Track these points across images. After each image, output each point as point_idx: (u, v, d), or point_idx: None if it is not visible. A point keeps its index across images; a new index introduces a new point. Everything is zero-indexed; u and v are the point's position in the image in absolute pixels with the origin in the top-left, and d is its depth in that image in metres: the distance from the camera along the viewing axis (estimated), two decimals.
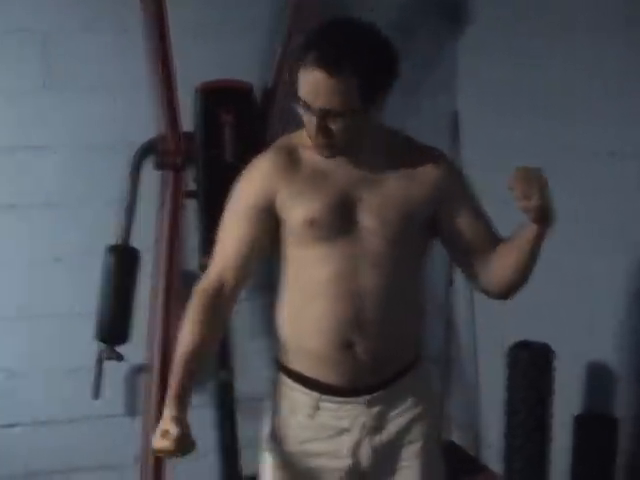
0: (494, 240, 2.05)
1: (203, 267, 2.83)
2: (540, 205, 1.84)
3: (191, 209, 3.06)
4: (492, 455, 3.48)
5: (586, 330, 3.00)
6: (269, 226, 2.02)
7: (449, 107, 3.56)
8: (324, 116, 1.89)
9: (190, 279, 2.98)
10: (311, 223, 1.98)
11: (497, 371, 3.08)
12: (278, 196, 2.00)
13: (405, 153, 2.06)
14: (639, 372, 2.87)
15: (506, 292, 2.07)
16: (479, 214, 2.08)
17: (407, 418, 2.12)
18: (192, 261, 3.12)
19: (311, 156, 2.01)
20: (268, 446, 2.16)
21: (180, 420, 1.88)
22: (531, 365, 2.93)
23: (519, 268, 2.00)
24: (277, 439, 2.15)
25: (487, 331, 3.51)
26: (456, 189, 2.08)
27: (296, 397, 2.10)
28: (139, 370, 3.16)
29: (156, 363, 2.98)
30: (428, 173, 2.05)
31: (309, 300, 2.02)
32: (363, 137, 1.99)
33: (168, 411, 1.91)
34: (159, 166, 3.02)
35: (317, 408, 2.08)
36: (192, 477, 3.29)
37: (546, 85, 3.09)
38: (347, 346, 2.02)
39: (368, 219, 2.01)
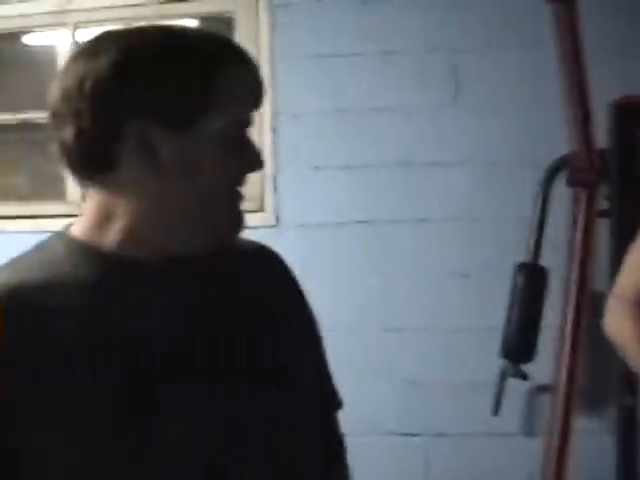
0: None
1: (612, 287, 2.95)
2: None
3: (603, 228, 3.01)
4: None
5: None
6: None
7: None
8: None
9: (599, 299, 2.93)
10: None
11: None
12: None
13: None
14: None
15: None
16: None
17: None
18: (601, 281, 3.01)
19: None
20: None
21: None
22: None
23: None
24: None
25: None
26: None
27: None
28: (541, 390, 3.15)
29: (562, 384, 2.97)
30: None
31: None
32: None
33: None
34: (571, 183, 2.99)
35: None
36: None
37: None
38: None
39: None
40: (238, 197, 1.26)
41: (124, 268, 1.22)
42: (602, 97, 2.94)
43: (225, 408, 1.22)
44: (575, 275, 2.95)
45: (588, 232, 2.95)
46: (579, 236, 2.96)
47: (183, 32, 1.24)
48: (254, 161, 1.26)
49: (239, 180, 1.26)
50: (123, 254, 1.23)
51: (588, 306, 2.94)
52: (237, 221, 1.26)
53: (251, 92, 1.26)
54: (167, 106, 1.17)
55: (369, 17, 3.25)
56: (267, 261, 1.40)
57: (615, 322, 2.02)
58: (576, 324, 2.93)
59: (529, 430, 3.29)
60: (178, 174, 1.19)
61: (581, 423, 3.15)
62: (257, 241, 1.42)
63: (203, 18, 3.29)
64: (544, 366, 3.04)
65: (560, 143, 3.00)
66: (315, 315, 1.42)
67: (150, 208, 1.21)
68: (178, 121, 1.18)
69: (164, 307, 1.22)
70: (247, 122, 1.26)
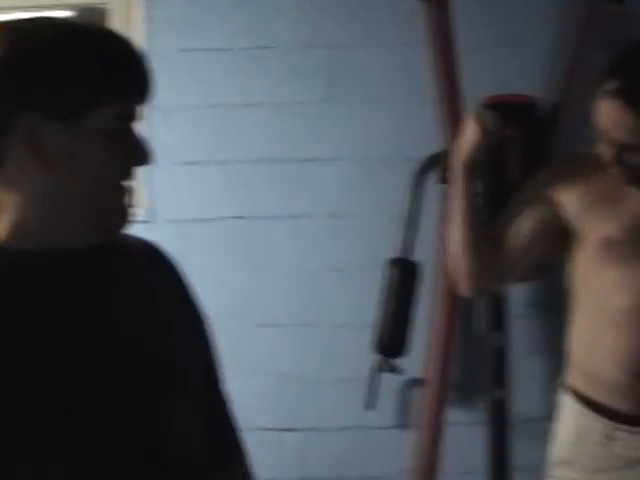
0: None
1: None
2: None
3: None
4: None
5: None
6: (556, 227, 2.05)
7: None
8: (622, 150, 1.88)
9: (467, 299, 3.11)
10: (606, 243, 1.97)
11: None
12: (573, 203, 2.02)
13: None
14: None
15: None
16: None
17: None
18: None
19: (608, 176, 1.99)
20: (555, 472, 2.17)
21: None
22: None
23: None
24: (566, 466, 2.14)
25: None
26: None
27: (587, 423, 2.09)
28: (414, 384, 3.23)
29: (433, 377, 3.05)
30: None
31: (604, 329, 2.01)
32: None
33: None
34: (442, 180, 3.04)
35: (610, 437, 2.05)
36: None
37: None
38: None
39: None
40: (124, 191, 1.28)
41: (9, 261, 1.23)
42: (473, 95, 2.99)
43: (109, 424, 1.21)
44: (445, 270, 2.93)
45: None
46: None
47: (71, 25, 1.25)
48: (141, 155, 1.28)
49: (125, 174, 1.28)
50: (10, 248, 1.23)
51: (458, 300, 3.02)
52: (123, 214, 1.28)
53: (138, 86, 1.28)
54: (54, 100, 1.19)
55: (243, 12, 3.27)
56: (154, 255, 1.42)
57: None
58: (447, 318, 3.00)
59: (403, 423, 3.37)
60: (64, 167, 1.21)
61: (453, 415, 3.25)
62: (140, 236, 1.43)
63: (77, 9, 3.25)
64: (417, 360, 3.12)
65: (432, 140, 3.08)
66: (201, 309, 1.45)
67: (37, 201, 1.22)
68: (65, 115, 1.20)
69: (46, 303, 1.22)
70: (134, 116, 1.28)
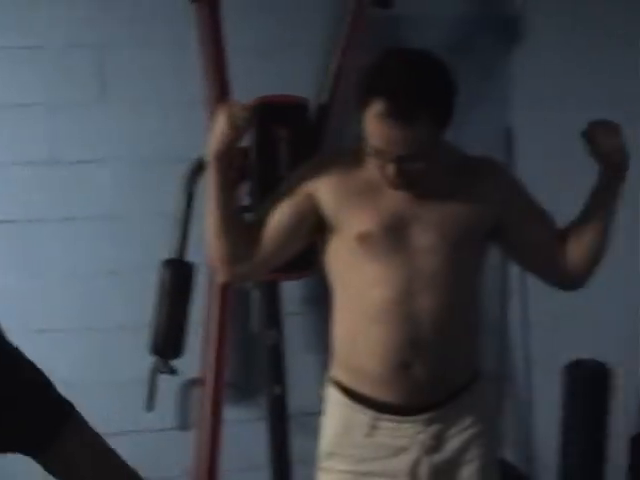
0: (560, 234, 2.12)
1: (257, 284, 3.10)
2: (621, 153, 2.00)
3: None
4: (546, 474, 3.48)
5: None
6: (312, 221, 2.08)
7: (503, 123, 3.59)
8: (401, 161, 1.92)
9: (245, 295, 3.19)
10: (364, 238, 2.01)
11: (552, 389, 3.11)
12: (329, 198, 2.04)
13: (461, 168, 2.08)
14: None
15: (587, 272, 2.16)
16: (540, 215, 2.13)
17: (465, 437, 2.14)
18: None
19: (369, 169, 2.02)
20: (323, 464, 2.19)
21: None
22: (587, 384, 2.97)
23: (598, 238, 2.10)
24: (333, 457, 2.18)
25: (542, 348, 3.50)
26: (515, 198, 2.12)
27: (352, 415, 2.13)
28: (192, 384, 3.24)
29: (209, 378, 3.08)
30: (485, 187, 2.08)
31: (364, 324, 2.05)
32: (434, 163, 2.01)
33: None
34: None
35: (375, 427, 2.10)
36: None
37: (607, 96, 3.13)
38: (404, 367, 2.04)
39: (425, 238, 2.02)
40: None
41: None
42: (245, 97, 2.93)
43: None
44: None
45: None
46: None
47: None
48: None
49: None
50: None
51: (231, 299, 3.06)
52: None
53: None
54: None
55: (12, 9, 3.19)
56: None
57: None
58: (220, 318, 3.02)
59: (183, 424, 3.38)
60: None
61: (233, 413, 3.29)
62: None
63: None
64: (195, 360, 3.14)
65: (204, 141, 3.05)
66: None
67: None
68: None
69: None
70: None
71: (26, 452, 1.31)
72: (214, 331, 3.03)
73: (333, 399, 2.19)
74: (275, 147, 3.02)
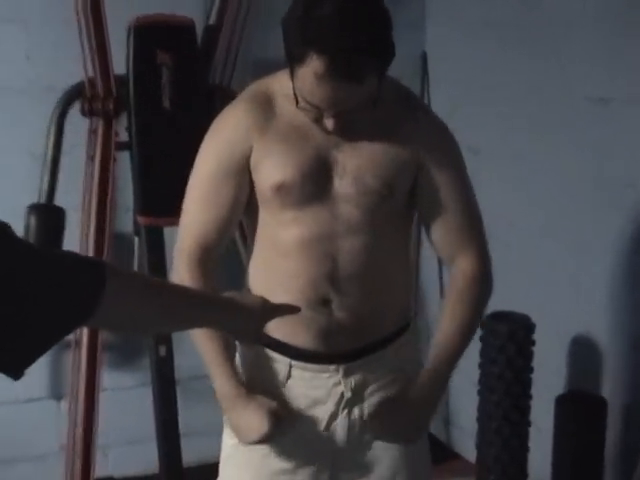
0: (460, 244, 2.05)
1: (138, 230, 2.98)
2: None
3: (124, 163, 3.00)
4: (464, 440, 3.45)
5: (570, 300, 2.98)
6: (249, 184, 1.99)
7: (418, 48, 3.58)
8: (342, 115, 1.86)
9: (123, 243, 3.10)
10: (279, 188, 1.94)
11: (470, 345, 3.03)
12: (252, 152, 1.96)
13: (392, 112, 1.99)
14: (628, 346, 2.86)
15: None
16: (457, 200, 2.04)
17: (390, 392, 2.07)
18: (125, 222, 3.10)
19: (287, 108, 1.94)
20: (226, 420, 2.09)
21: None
22: (509, 338, 2.89)
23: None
24: None
25: None
26: (440, 159, 2.03)
27: (264, 364, 2.06)
28: (64, 347, 3.08)
29: (84, 339, 2.96)
30: (413, 136, 1.99)
31: (280, 258, 2.00)
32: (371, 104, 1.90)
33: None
34: (87, 113, 2.93)
35: (289, 376, 2.04)
36: (127, 464, 3.39)
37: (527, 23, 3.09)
38: (321, 303, 1.99)
39: (344, 185, 1.97)
40: None
41: None
42: (120, 17, 2.87)
43: None
44: (93, 215, 2.93)
45: (106, 167, 2.94)
46: (96, 172, 2.94)
47: None
48: None
49: None
50: None
51: (109, 249, 2.95)
52: None
53: None
54: None
55: None
56: None
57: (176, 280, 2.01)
58: None
59: (56, 393, 3.29)
60: None
61: (112, 379, 3.23)
62: None
63: None
64: None
65: (77, 68, 2.92)
66: None
67: None
68: None
69: None
70: None
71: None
72: None
73: (243, 347, 2.10)
74: (157, 75, 2.88)
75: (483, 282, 2.06)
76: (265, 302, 1.81)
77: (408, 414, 2.05)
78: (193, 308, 1.60)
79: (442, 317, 2.06)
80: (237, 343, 2.05)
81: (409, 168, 2.00)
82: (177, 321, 1.60)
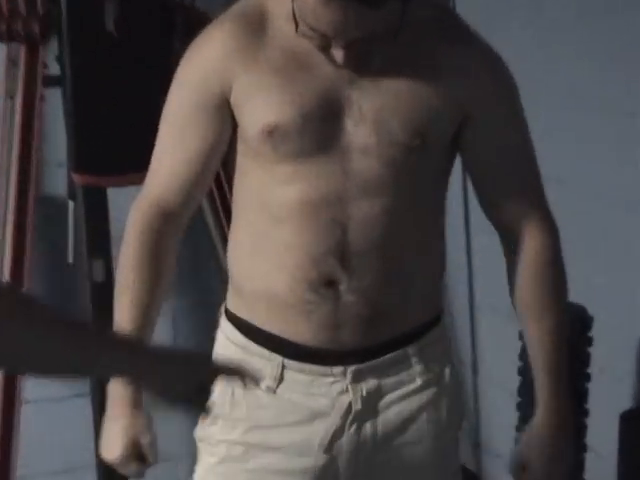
0: (525, 212, 1.92)
1: (73, 191, 2.84)
2: None
3: (55, 103, 2.82)
4: (499, 469, 3.07)
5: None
6: (228, 126, 1.86)
7: None
8: (355, 45, 1.72)
9: (53, 208, 2.94)
10: (271, 132, 1.77)
11: (506, 344, 2.77)
12: (235, 85, 1.81)
13: (425, 38, 1.83)
14: None
15: None
16: (520, 155, 1.92)
17: (413, 405, 1.90)
18: (56, 182, 2.91)
19: (285, 32, 1.77)
20: (203, 433, 1.93)
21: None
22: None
23: None
24: (219, 423, 1.89)
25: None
26: (494, 102, 1.88)
27: (250, 361, 1.86)
28: None
29: None
30: (456, 71, 1.83)
31: (272, 225, 1.83)
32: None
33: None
34: (3, 37, 2.74)
35: (280, 380, 1.87)
36: None
37: None
38: (325, 285, 1.81)
39: (360, 133, 1.80)
40: None
41: None
42: None
43: None
44: (14, 169, 2.78)
45: (30, 109, 2.81)
46: (18, 115, 2.81)
47: None
48: None
49: None
50: None
51: (34, 217, 2.83)
52: None
53: None
54: None
55: None
56: None
57: (131, 232, 1.88)
58: (18, 235, 2.81)
59: None
60: None
61: (41, 390, 2.94)
62: None
63: None
64: None
65: None
66: None
67: None
68: None
69: None
70: None
71: None
72: (9, 261, 2.83)
73: (222, 340, 1.95)
74: None
75: (560, 259, 1.95)
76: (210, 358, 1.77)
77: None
78: (104, 350, 1.45)
79: (527, 319, 1.94)
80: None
81: (450, 113, 1.85)
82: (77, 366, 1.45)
